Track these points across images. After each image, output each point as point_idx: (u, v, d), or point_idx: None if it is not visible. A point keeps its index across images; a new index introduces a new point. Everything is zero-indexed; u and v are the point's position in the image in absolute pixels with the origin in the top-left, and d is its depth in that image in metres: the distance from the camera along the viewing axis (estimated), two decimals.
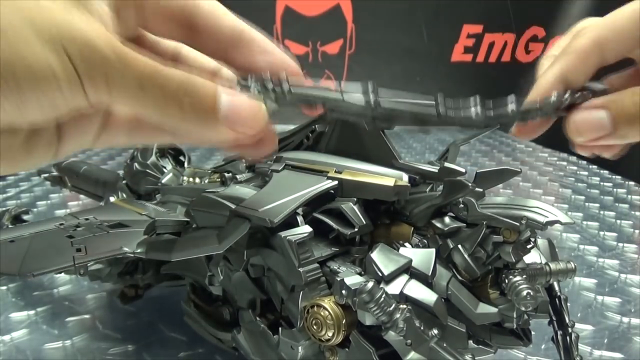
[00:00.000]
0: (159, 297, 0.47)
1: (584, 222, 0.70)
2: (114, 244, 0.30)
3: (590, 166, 0.96)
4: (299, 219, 0.28)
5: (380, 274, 0.25)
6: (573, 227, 0.68)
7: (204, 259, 0.34)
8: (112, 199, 0.48)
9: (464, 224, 0.27)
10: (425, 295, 0.25)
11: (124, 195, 0.49)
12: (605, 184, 0.86)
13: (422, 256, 0.26)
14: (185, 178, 0.44)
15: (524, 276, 0.26)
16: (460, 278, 0.27)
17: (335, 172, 0.30)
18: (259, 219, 0.27)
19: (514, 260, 0.26)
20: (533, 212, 0.25)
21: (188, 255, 0.28)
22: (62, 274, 0.52)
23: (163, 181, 0.46)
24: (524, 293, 0.25)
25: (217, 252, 0.27)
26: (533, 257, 0.28)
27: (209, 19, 0.25)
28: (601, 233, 0.66)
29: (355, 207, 0.28)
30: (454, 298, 0.26)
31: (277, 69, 0.25)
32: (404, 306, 0.23)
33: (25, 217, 0.56)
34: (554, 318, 0.30)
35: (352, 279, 0.24)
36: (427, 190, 0.28)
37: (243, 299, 0.32)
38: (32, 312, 0.46)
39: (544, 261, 0.28)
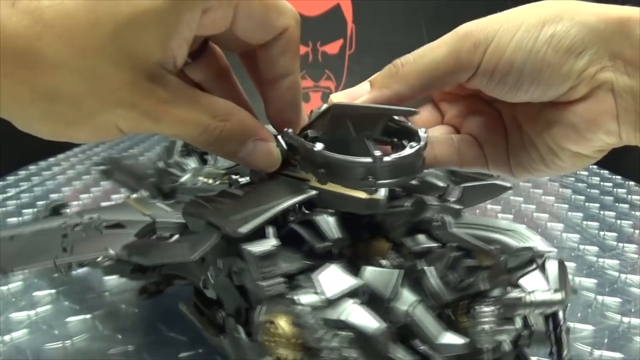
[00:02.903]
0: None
1: (584, 222, 0.70)
2: (100, 245, 0.30)
3: (591, 166, 0.96)
4: (270, 230, 0.26)
5: (324, 296, 0.23)
6: (573, 227, 0.68)
7: (199, 262, 0.33)
8: (134, 195, 0.48)
9: (439, 244, 0.25)
10: (367, 322, 0.23)
11: (145, 193, 0.49)
12: (605, 184, 0.86)
13: (383, 276, 0.24)
14: (200, 178, 0.44)
15: (498, 306, 0.23)
16: (432, 303, 0.25)
17: (317, 180, 0.28)
18: (226, 229, 0.25)
19: (486, 288, 0.24)
20: (509, 236, 0.23)
21: (160, 261, 0.27)
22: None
23: (181, 180, 0.45)
24: (479, 328, 0.22)
25: (187, 260, 0.26)
26: (537, 281, 0.25)
27: (283, 66, 0.28)
28: (601, 233, 0.66)
29: (330, 220, 0.26)
30: (414, 325, 0.24)
31: (284, 121, 0.29)
32: (342, 333, 0.22)
33: (63, 210, 0.54)
34: (554, 350, 0.27)
35: (308, 298, 0.23)
36: (406, 204, 0.26)
37: (229, 306, 0.31)
38: (32, 312, 0.46)
39: (548, 286, 0.25)
